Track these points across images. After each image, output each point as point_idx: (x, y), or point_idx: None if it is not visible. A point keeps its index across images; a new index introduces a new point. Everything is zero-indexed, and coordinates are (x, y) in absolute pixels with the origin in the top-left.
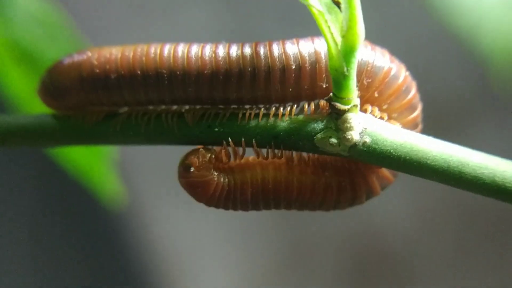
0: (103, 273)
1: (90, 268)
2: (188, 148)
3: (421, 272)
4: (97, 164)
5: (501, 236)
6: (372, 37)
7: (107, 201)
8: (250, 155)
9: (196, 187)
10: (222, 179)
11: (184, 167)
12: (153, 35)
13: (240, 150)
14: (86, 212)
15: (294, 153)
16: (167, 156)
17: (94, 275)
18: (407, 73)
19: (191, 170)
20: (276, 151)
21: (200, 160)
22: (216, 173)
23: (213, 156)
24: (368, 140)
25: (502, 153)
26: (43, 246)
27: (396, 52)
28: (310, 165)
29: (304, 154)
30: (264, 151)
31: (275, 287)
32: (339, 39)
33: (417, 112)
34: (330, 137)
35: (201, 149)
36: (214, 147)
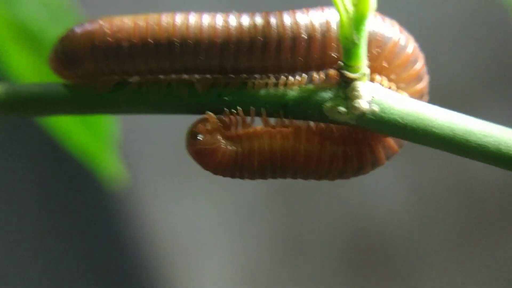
0: (101, 255)
1: (88, 249)
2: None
3: (416, 260)
4: (100, 145)
5: (499, 224)
6: (382, 11)
7: (108, 182)
8: (257, 124)
9: (203, 155)
10: (229, 147)
11: (192, 134)
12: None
13: (249, 118)
14: (87, 194)
15: (302, 122)
16: (169, 140)
17: (91, 256)
18: (415, 44)
19: (199, 138)
20: (284, 120)
21: (208, 128)
22: (223, 141)
23: (221, 124)
24: (376, 108)
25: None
26: (43, 227)
27: (408, 27)
28: (317, 134)
29: (311, 124)
30: (272, 120)
31: (270, 273)
32: (350, 8)
33: (424, 83)
34: (339, 105)
35: (208, 117)
36: (222, 116)
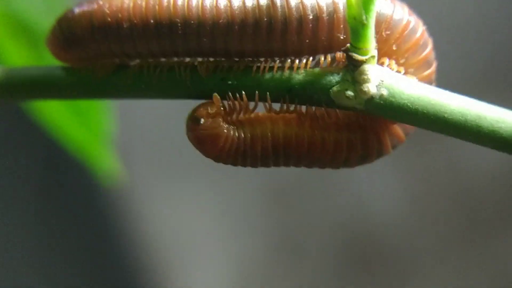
0: (97, 253)
1: (84, 246)
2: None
3: (411, 260)
4: (96, 143)
5: (494, 224)
6: None
7: (105, 180)
8: (260, 110)
9: (205, 141)
10: (232, 132)
11: (193, 119)
12: None
13: (252, 104)
14: (84, 192)
15: (306, 107)
16: (167, 138)
17: (87, 253)
18: (424, 28)
19: (200, 122)
20: (289, 105)
21: (210, 112)
22: (226, 126)
23: (223, 108)
24: (385, 92)
25: None
26: (39, 225)
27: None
28: (321, 121)
29: (315, 109)
30: (275, 106)
31: (266, 272)
32: None
33: (432, 68)
34: (347, 89)
35: (214, 99)
36: (224, 101)
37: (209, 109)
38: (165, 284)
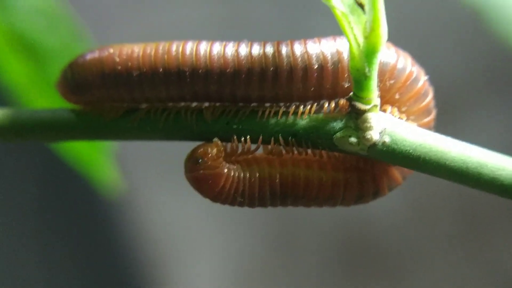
0: (99, 261)
1: (86, 255)
2: (186, 143)
3: (409, 260)
4: (96, 153)
5: (493, 225)
6: None
7: (105, 190)
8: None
9: (205, 181)
10: (232, 172)
11: (193, 160)
12: (154, 24)
13: (253, 146)
14: (84, 201)
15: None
16: (165, 148)
17: (90, 262)
18: (426, 77)
19: (200, 162)
20: (288, 148)
21: (210, 152)
22: (226, 165)
23: (222, 149)
24: (387, 139)
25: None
26: (41, 234)
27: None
28: (317, 161)
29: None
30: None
31: (264, 271)
32: (361, 40)
33: (432, 115)
34: (350, 136)
35: (212, 142)
36: (223, 142)
37: (209, 149)
38: (164, 284)
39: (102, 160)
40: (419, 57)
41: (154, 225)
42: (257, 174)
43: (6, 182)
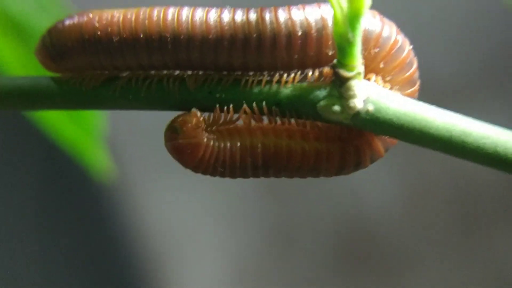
0: (91, 248)
1: (78, 242)
2: None
3: (406, 256)
4: (86, 138)
5: (491, 221)
6: (379, 7)
7: (97, 175)
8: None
9: (184, 151)
10: (212, 142)
11: (172, 129)
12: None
13: (235, 116)
14: (76, 187)
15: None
16: (158, 132)
17: (81, 249)
18: (411, 46)
19: (180, 132)
20: (277, 118)
21: (189, 122)
22: (206, 135)
23: (202, 118)
24: (371, 108)
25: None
26: (33, 222)
27: (404, 24)
28: (299, 131)
29: (293, 120)
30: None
31: (261, 267)
32: (344, 5)
33: (416, 86)
34: (333, 104)
35: (191, 112)
36: (205, 112)
37: (188, 119)
38: (161, 277)
39: (95, 145)
40: (417, 55)
41: (148, 212)
42: (238, 144)
43: (1, 170)
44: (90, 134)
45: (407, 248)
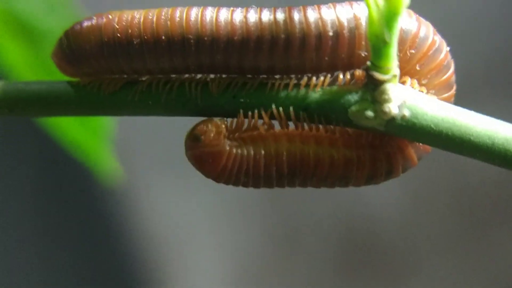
0: (95, 249)
1: (83, 243)
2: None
3: (410, 257)
4: (94, 141)
5: (494, 222)
6: None
7: (103, 178)
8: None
9: (206, 160)
10: (235, 150)
11: (193, 137)
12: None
13: (260, 122)
14: (82, 189)
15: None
16: (164, 135)
17: (86, 250)
18: (448, 48)
19: (201, 140)
20: (305, 124)
21: (211, 129)
22: (228, 143)
23: (224, 125)
24: (407, 113)
25: None
26: (38, 222)
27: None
28: (328, 137)
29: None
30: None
31: (263, 268)
32: (381, 3)
33: (453, 90)
34: (366, 109)
35: (211, 119)
36: (225, 118)
37: (209, 126)
38: (164, 277)
39: (102, 148)
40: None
41: (153, 214)
42: (263, 152)
43: (5, 170)
44: (98, 136)
45: (410, 250)
